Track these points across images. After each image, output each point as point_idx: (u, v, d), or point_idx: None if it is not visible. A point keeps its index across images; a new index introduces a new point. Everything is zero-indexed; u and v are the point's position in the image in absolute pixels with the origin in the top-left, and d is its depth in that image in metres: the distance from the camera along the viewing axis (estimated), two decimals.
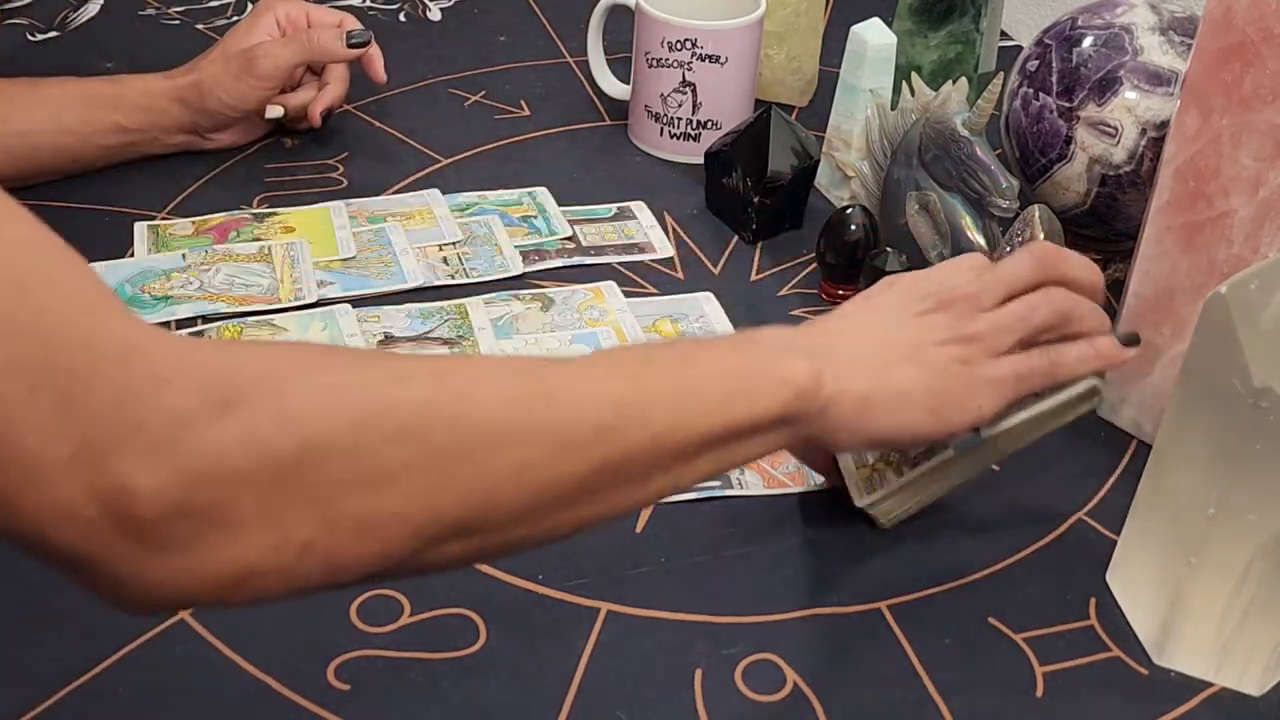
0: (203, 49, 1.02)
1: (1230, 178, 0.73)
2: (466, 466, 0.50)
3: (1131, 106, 0.86)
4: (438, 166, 1.04)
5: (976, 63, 1.07)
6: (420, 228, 0.96)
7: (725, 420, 0.58)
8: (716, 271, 0.95)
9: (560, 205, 1.00)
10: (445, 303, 0.89)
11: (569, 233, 0.97)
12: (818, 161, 0.99)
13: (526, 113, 1.12)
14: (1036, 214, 0.81)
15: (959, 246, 0.90)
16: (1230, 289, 0.62)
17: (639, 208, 1.01)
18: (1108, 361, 0.69)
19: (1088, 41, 0.88)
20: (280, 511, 0.45)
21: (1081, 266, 0.70)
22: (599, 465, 0.54)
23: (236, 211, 0.97)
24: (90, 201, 0.95)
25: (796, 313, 0.91)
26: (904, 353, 0.65)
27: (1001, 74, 0.91)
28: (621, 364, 0.59)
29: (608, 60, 1.11)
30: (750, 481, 0.77)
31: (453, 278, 0.92)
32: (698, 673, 0.67)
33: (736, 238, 0.98)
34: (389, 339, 0.86)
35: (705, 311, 0.91)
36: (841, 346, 0.64)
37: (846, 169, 1.00)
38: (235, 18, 1.22)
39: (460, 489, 0.50)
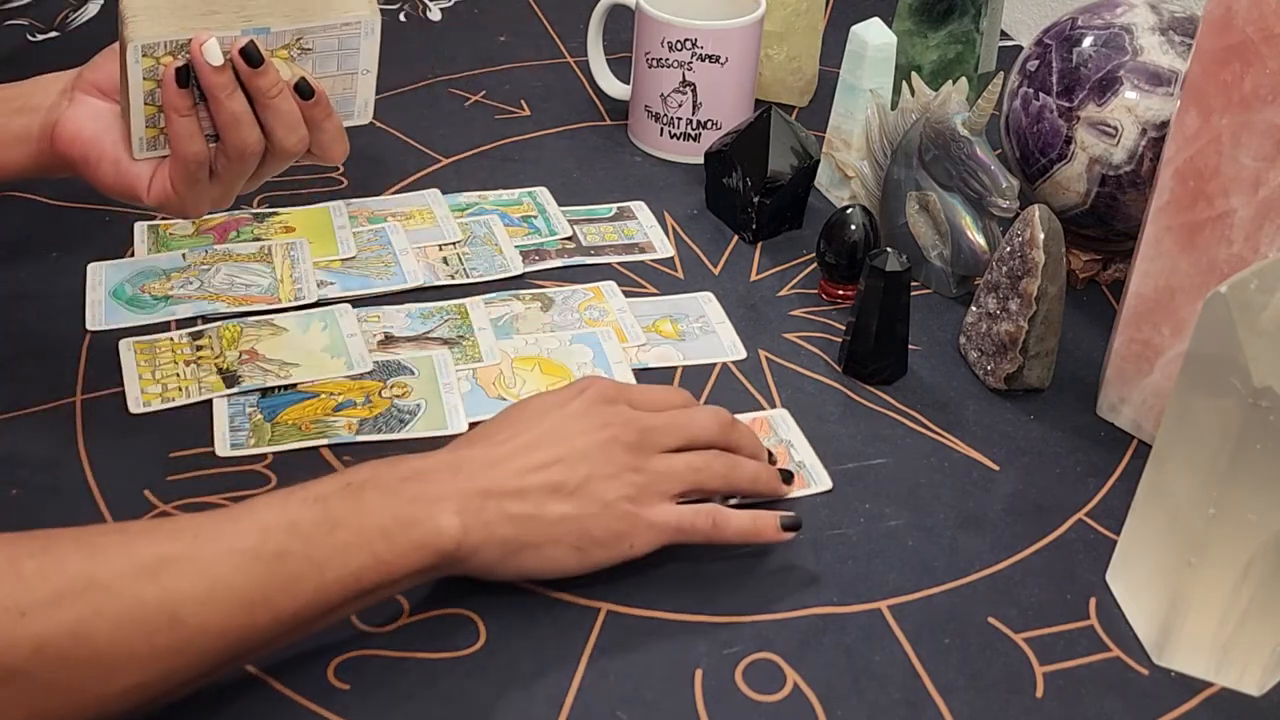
0: None
1: (1230, 177, 0.73)
2: (75, 696, 0.54)
3: (1131, 106, 0.86)
4: (438, 166, 1.04)
5: (976, 63, 1.07)
6: (420, 228, 0.96)
7: (358, 589, 0.62)
8: (716, 271, 0.95)
9: (560, 205, 1.00)
10: (445, 303, 0.89)
11: (569, 233, 0.97)
12: (818, 161, 0.99)
13: (526, 113, 1.12)
14: (1036, 214, 0.81)
15: (959, 246, 0.90)
16: (1230, 289, 0.62)
17: (639, 208, 1.01)
18: (763, 540, 0.71)
19: (1088, 41, 0.88)
20: None
21: (749, 437, 0.74)
22: (223, 660, 0.58)
23: (237, 211, 0.97)
24: (90, 201, 0.95)
25: (796, 313, 0.91)
26: (570, 488, 0.67)
27: (1001, 74, 0.91)
28: (264, 547, 0.59)
29: (608, 60, 1.11)
30: None
31: (453, 278, 0.92)
32: (698, 673, 0.67)
33: (736, 238, 0.98)
34: (389, 339, 0.86)
35: (705, 311, 0.91)
36: (503, 480, 0.66)
37: (846, 169, 1.00)
38: None
39: (69, 712, 0.54)
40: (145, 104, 0.68)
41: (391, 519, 0.63)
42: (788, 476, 0.75)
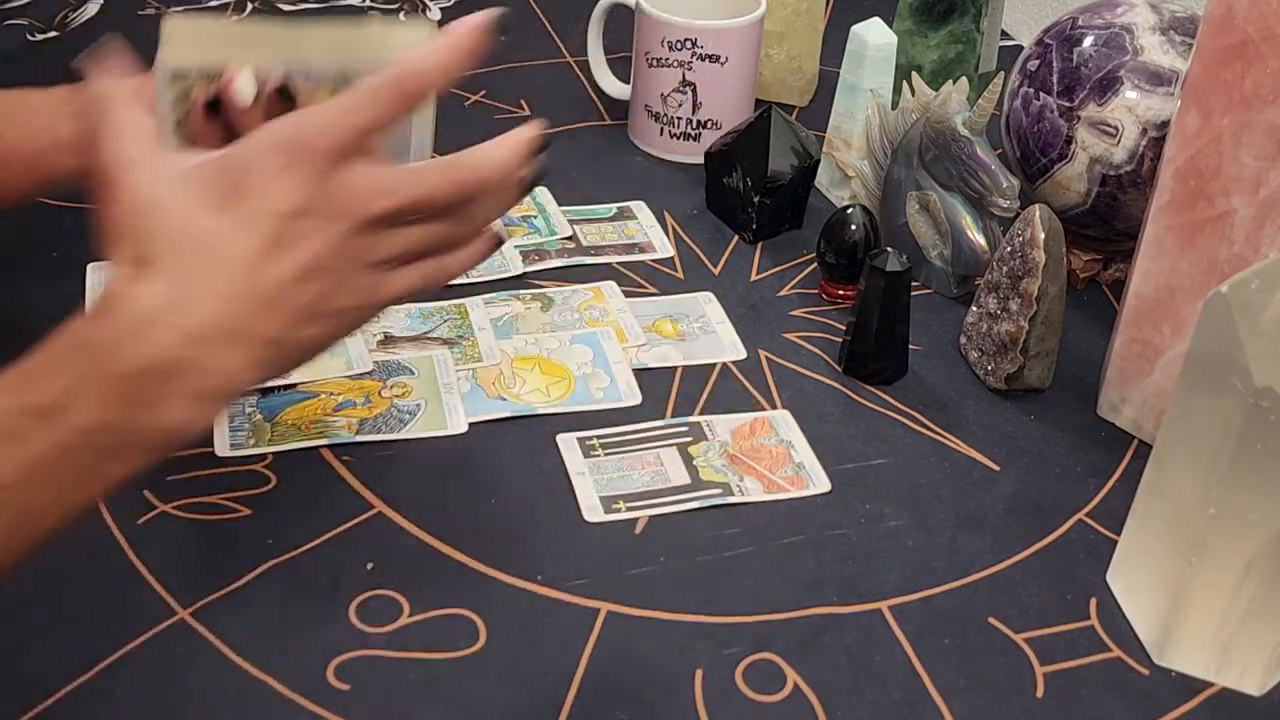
0: None
1: (1231, 177, 0.73)
2: None
3: (1132, 106, 0.86)
4: None
5: (977, 62, 1.07)
6: None
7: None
8: (716, 271, 0.95)
9: (560, 205, 1.00)
10: (445, 303, 0.89)
11: (569, 232, 0.97)
12: (818, 161, 0.99)
13: (526, 113, 1.12)
14: (1037, 214, 0.81)
15: (959, 246, 0.90)
16: (1231, 289, 0.62)
17: (639, 208, 1.01)
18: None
19: (1088, 41, 0.88)
20: None
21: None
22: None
23: None
24: (91, 201, 0.95)
25: (797, 313, 0.91)
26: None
27: (1002, 74, 0.91)
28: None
29: (608, 60, 1.11)
30: (750, 488, 0.77)
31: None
32: (698, 673, 0.67)
33: (736, 238, 0.98)
34: (389, 339, 0.86)
35: (705, 311, 0.90)
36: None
37: (846, 169, 1.00)
38: (235, 18, 1.22)
39: None
40: (174, 131, 0.64)
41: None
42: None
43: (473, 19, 0.55)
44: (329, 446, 0.78)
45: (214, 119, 0.63)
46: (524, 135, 0.57)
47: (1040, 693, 0.67)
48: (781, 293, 0.93)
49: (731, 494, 0.76)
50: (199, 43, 0.62)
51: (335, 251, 0.53)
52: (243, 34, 0.63)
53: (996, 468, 0.80)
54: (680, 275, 0.94)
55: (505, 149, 0.57)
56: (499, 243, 0.60)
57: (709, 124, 1.05)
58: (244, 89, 0.62)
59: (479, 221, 0.58)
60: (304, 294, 0.53)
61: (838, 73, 1.00)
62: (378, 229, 0.54)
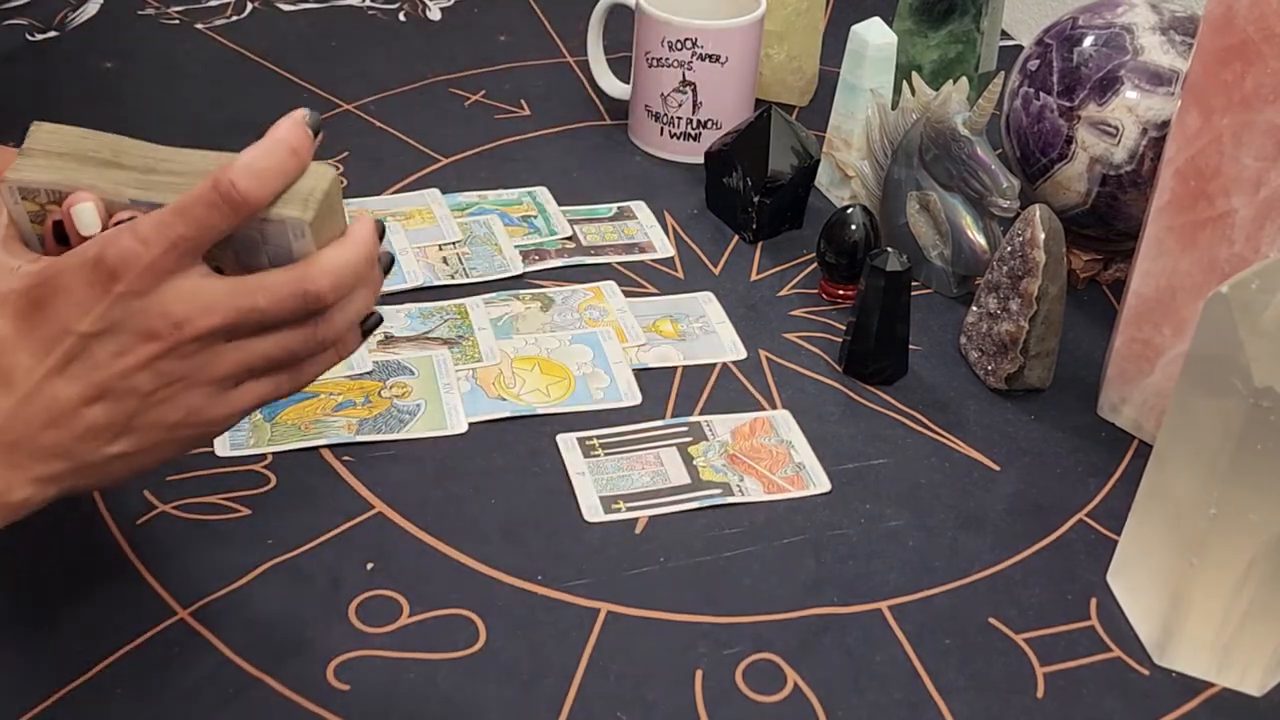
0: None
1: (1231, 177, 0.73)
2: None
3: (1132, 106, 0.86)
4: (438, 166, 1.04)
5: (977, 62, 1.07)
6: (420, 227, 0.96)
7: None
8: (716, 271, 0.95)
9: (560, 205, 1.00)
10: (445, 303, 0.89)
11: (569, 233, 0.97)
12: (818, 161, 0.99)
13: (526, 113, 1.12)
14: (1037, 214, 0.81)
15: (959, 246, 0.90)
16: (1231, 289, 0.62)
17: (639, 207, 1.01)
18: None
19: (1088, 41, 0.88)
20: None
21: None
22: None
23: None
24: None
25: (797, 313, 0.91)
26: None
27: (1002, 74, 0.91)
28: None
29: (608, 60, 1.11)
30: (750, 488, 0.77)
31: (453, 278, 0.92)
32: (698, 673, 0.67)
33: (736, 238, 0.98)
34: (389, 339, 0.86)
35: (705, 311, 0.90)
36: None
37: (846, 169, 1.00)
38: (235, 18, 1.22)
39: None
40: (38, 247, 0.57)
41: None
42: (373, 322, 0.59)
43: (290, 117, 0.54)
44: (329, 446, 0.78)
45: (64, 246, 0.55)
46: (366, 224, 0.56)
47: (1040, 693, 0.67)
48: (781, 293, 0.93)
49: (731, 494, 0.76)
50: (55, 157, 0.56)
51: (145, 371, 0.52)
52: (109, 150, 0.56)
53: (997, 468, 0.80)
54: (680, 275, 0.94)
55: (354, 244, 0.55)
56: (371, 330, 0.59)
57: (709, 124, 1.05)
58: (86, 218, 0.55)
59: (345, 322, 0.56)
60: (101, 413, 0.52)
61: (838, 73, 1.00)
62: (205, 347, 0.53)
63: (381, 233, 0.57)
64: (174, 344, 0.52)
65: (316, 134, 0.54)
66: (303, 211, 0.54)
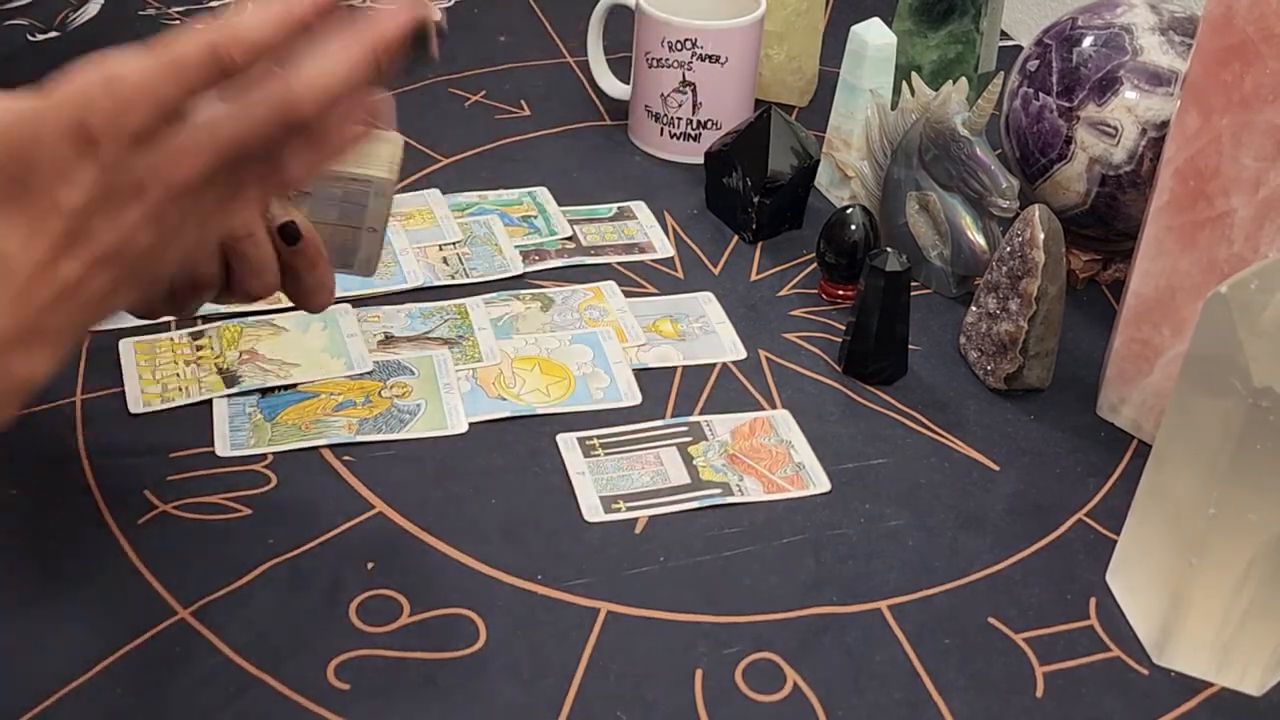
0: None
1: (1230, 178, 0.73)
2: None
3: (1131, 106, 0.86)
4: (438, 166, 1.04)
5: (976, 63, 1.07)
6: (420, 228, 0.96)
7: None
8: (716, 271, 0.95)
9: (560, 205, 1.00)
10: (445, 303, 0.89)
11: (569, 233, 0.97)
12: (818, 161, 0.99)
13: (526, 113, 1.12)
14: (1036, 214, 0.81)
15: (959, 246, 0.90)
16: (1231, 289, 0.62)
17: (639, 208, 1.01)
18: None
19: (1088, 41, 0.88)
20: None
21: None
22: None
23: None
24: None
25: (796, 313, 0.91)
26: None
27: (1001, 74, 0.91)
28: None
29: (608, 60, 1.11)
30: (750, 488, 0.77)
31: (453, 278, 0.92)
32: (698, 673, 0.67)
33: (736, 238, 0.98)
34: (389, 339, 0.86)
35: (705, 311, 0.90)
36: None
37: (846, 169, 1.00)
38: None
39: None
40: None
41: None
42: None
43: None
44: (329, 446, 0.78)
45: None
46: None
47: (1040, 693, 0.67)
48: (781, 293, 0.93)
49: (731, 494, 0.76)
50: None
51: (145, 228, 0.50)
52: None
53: (996, 468, 0.80)
54: (680, 275, 0.94)
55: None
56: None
57: (709, 124, 1.05)
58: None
59: (308, 88, 0.50)
60: (106, 279, 0.50)
61: (838, 73, 1.00)
62: (192, 189, 0.50)
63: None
64: (168, 194, 0.50)
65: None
66: (389, 172, 0.56)
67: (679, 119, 1.05)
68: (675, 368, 0.86)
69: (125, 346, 0.83)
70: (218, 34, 0.48)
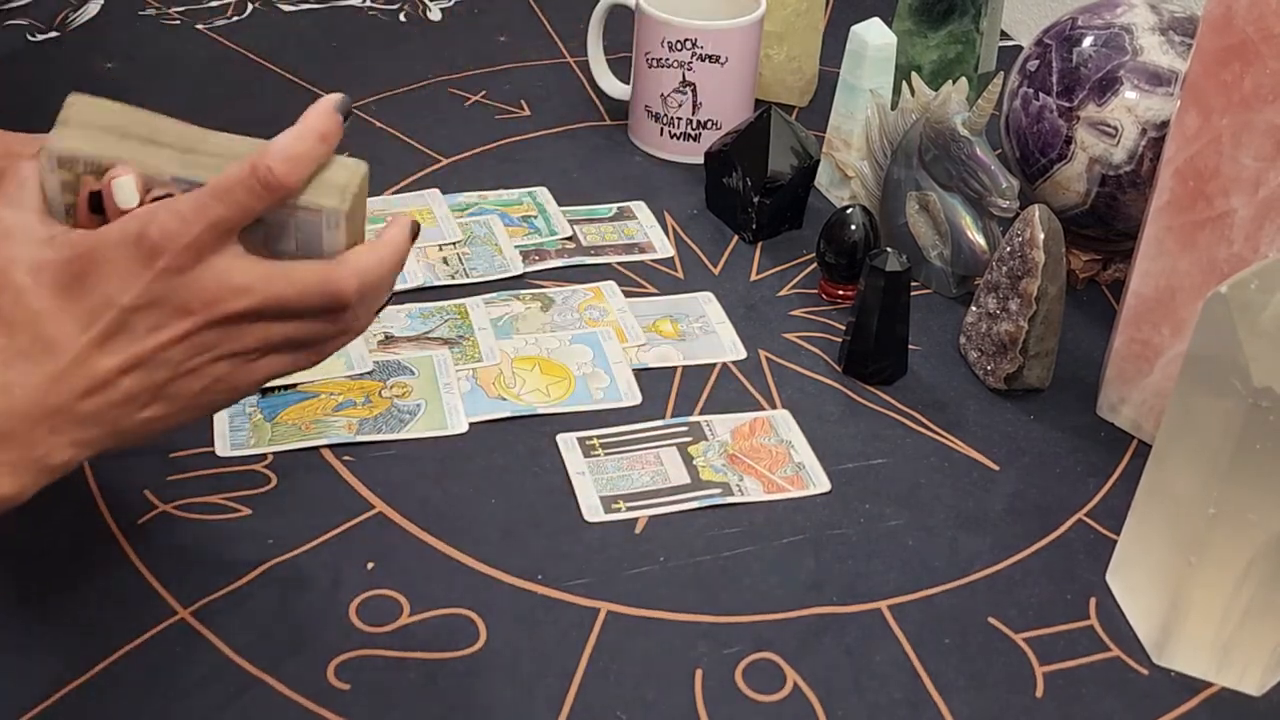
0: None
1: (1230, 178, 0.73)
2: None
3: (1131, 106, 0.86)
4: (438, 166, 1.04)
5: (976, 63, 1.07)
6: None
7: None
8: (716, 271, 0.95)
9: (560, 205, 1.00)
10: (445, 303, 0.89)
11: (569, 233, 0.97)
12: (818, 161, 0.99)
13: (526, 113, 1.12)
14: (1036, 214, 0.81)
15: (959, 246, 0.90)
16: (1230, 289, 0.62)
17: (639, 208, 1.01)
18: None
19: (1088, 41, 0.88)
20: None
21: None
22: None
23: None
24: None
25: (796, 313, 0.91)
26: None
27: (1001, 74, 0.91)
28: None
29: (608, 60, 1.11)
30: (750, 488, 0.77)
31: (453, 278, 0.92)
32: (698, 673, 0.67)
33: (736, 238, 0.98)
34: (389, 339, 0.86)
35: (705, 311, 0.91)
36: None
37: (846, 169, 1.00)
38: (236, 18, 1.22)
39: None
40: (65, 214, 0.57)
41: None
42: None
43: (320, 103, 0.57)
44: (329, 446, 0.78)
45: (98, 216, 0.57)
46: (401, 228, 0.59)
47: (1040, 692, 0.67)
48: (781, 293, 0.93)
49: (731, 494, 0.76)
50: (95, 129, 0.57)
51: (180, 345, 0.55)
52: (145, 127, 0.57)
53: (996, 468, 0.80)
54: (680, 275, 0.94)
55: (385, 247, 0.59)
56: (383, 307, 0.61)
57: (709, 124, 1.05)
58: (125, 192, 0.56)
59: (368, 314, 0.60)
60: (136, 382, 0.55)
61: (838, 73, 1.00)
62: (233, 325, 0.55)
63: (415, 234, 0.60)
64: (207, 320, 0.54)
65: (346, 118, 0.57)
66: (340, 202, 0.57)
67: (679, 119, 1.05)
68: (675, 368, 0.86)
69: None
70: (256, 155, 0.54)
